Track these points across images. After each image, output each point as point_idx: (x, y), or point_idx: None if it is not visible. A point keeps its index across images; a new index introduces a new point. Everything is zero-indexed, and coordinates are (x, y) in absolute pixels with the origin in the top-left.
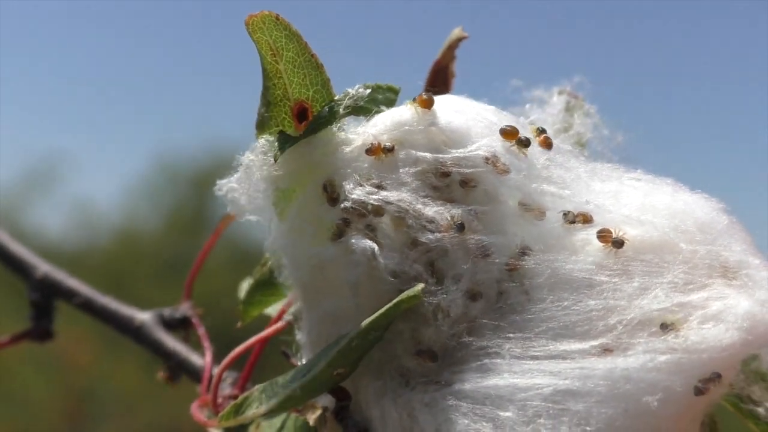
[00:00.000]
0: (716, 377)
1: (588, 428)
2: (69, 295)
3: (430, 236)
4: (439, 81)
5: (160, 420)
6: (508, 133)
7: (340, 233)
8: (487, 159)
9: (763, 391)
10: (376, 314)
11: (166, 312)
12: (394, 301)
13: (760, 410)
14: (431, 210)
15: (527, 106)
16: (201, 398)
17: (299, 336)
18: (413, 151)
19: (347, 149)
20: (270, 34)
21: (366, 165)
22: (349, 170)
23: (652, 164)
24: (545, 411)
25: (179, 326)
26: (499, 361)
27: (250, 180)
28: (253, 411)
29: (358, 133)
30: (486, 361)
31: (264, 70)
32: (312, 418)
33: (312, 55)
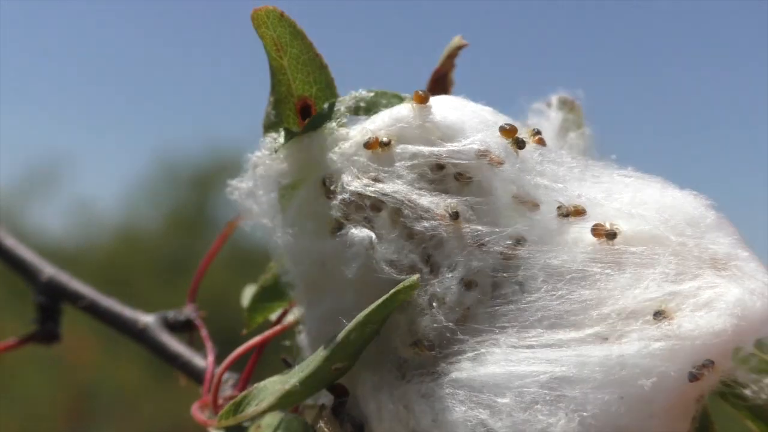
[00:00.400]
0: (710, 363)
1: (584, 413)
2: (74, 298)
3: (426, 224)
4: (439, 89)
5: (162, 419)
6: (507, 131)
7: (339, 226)
8: (480, 152)
9: (747, 373)
10: (373, 306)
11: (170, 314)
12: (391, 291)
13: (747, 392)
14: (426, 200)
15: (528, 115)
16: (202, 399)
17: (301, 338)
18: (410, 146)
19: (346, 144)
20: (274, 29)
21: (364, 159)
22: (347, 164)
23: (642, 164)
24: (542, 397)
25: (183, 329)
26: (495, 350)
27: (256, 178)
28: (252, 408)
29: (356, 130)
30: (482, 350)
31: (270, 65)
32: (310, 416)
33: (317, 55)
